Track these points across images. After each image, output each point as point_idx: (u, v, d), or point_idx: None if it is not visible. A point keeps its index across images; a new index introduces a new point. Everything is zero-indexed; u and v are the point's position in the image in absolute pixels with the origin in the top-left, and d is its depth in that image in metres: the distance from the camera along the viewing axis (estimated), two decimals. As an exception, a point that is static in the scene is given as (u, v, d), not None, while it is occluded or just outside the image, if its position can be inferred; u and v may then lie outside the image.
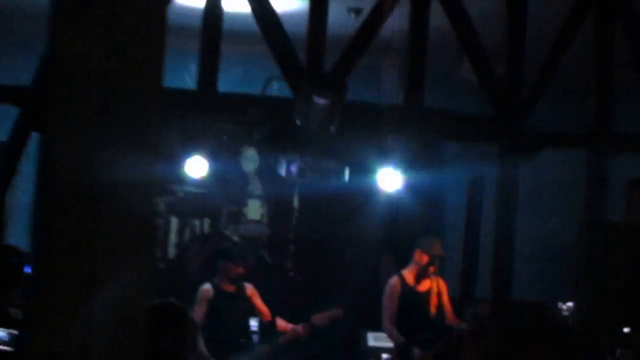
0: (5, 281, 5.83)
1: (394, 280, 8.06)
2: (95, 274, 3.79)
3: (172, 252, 9.43)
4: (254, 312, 8.01)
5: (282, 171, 6.89)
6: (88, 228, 3.78)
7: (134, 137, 3.87)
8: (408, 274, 8.06)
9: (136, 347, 3.71)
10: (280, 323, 8.00)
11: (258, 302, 7.98)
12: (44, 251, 3.91)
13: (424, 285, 8.06)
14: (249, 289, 7.98)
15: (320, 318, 7.96)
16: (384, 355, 8.53)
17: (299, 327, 7.92)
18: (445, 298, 8.09)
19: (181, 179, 8.09)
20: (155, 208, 8.28)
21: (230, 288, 7.89)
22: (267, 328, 8.03)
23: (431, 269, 7.96)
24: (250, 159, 9.28)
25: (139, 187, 3.83)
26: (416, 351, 7.79)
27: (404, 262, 8.17)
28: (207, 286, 7.89)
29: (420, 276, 8.02)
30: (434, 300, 7.97)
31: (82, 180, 3.81)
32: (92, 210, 3.76)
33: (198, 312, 7.61)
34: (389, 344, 8.35)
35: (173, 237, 9.42)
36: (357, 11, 7.88)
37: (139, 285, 3.79)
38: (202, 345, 7.34)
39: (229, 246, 8.86)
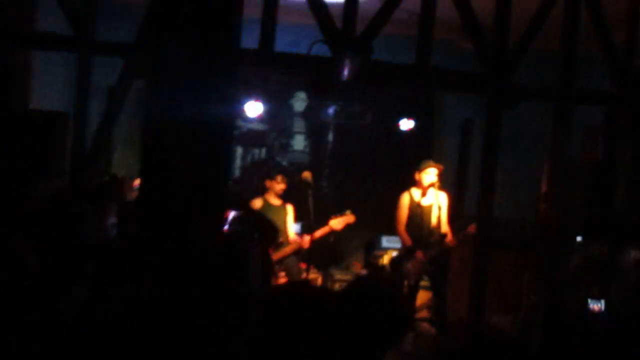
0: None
1: (403, 195, 8.02)
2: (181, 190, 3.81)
3: (236, 172, 9.47)
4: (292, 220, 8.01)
5: (322, 113, 6.85)
6: (177, 153, 3.80)
7: (214, 86, 3.86)
8: (415, 191, 8.02)
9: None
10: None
11: (291, 217, 7.98)
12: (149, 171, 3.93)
13: (427, 200, 8.00)
14: (290, 206, 7.98)
15: (336, 222, 7.90)
16: (394, 253, 8.56)
17: (305, 240, 7.85)
18: (444, 211, 8.00)
19: (244, 117, 8.08)
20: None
21: (276, 202, 7.89)
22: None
23: (433, 185, 7.84)
24: (300, 101, 9.24)
25: (217, 123, 3.83)
26: (419, 253, 7.78)
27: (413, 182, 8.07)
28: (257, 200, 7.90)
29: (424, 192, 7.96)
30: (435, 212, 7.91)
31: (173, 117, 3.82)
32: (180, 139, 3.77)
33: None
34: (399, 245, 8.37)
35: (238, 162, 9.45)
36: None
37: (217, 196, 3.80)
38: None
39: (270, 168, 8.89)
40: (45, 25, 6.34)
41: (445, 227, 7.99)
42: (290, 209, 8.03)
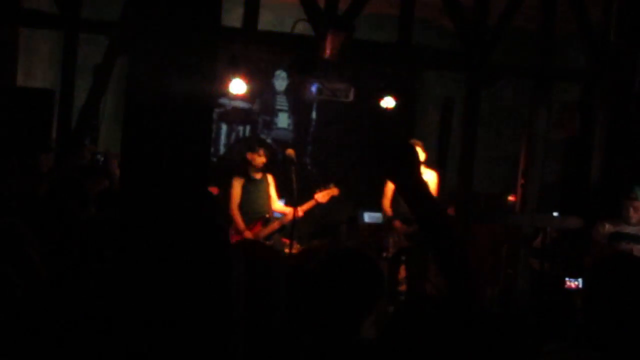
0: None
1: None
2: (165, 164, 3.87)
3: (221, 149, 9.54)
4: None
5: (305, 91, 6.90)
6: (159, 130, 3.86)
7: (196, 63, 3.92)
8: None
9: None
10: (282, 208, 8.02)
11: (272, 187, 7.96)
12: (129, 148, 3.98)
13: None
14: (270, 177, 7.96)
15: (321, 195, 7.94)
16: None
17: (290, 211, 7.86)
18: (433, 187, 8.06)
19: (228, 95, 8.11)
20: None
21: (257, 175, 7.85)
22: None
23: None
24: (280, 79, 9.30)
25: (199, 100, 3.90)
26: (398, 223, 7.87)
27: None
28: (237, 179, 7.92)
29: None
30: None
31: (155, 93, 3.88)
32: (163, 115, 3.83)
33: (235, 193, 7.70)
34: (380, 221, 8.47)
35: (223, 139, 9.51)
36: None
37: (200, 171, 3.86)
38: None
39: (252, 141, 8.85)
40: (32, 2, 6.36)
41: None
42: (271, 180, 7.98)
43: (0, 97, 5.86)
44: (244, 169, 7.85)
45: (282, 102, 9.43)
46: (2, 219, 3.29)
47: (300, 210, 7.60)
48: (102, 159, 6.83)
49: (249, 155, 7.78)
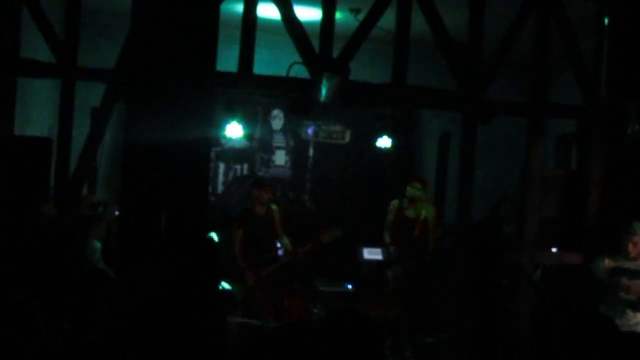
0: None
1: (392, 202, 8.20)
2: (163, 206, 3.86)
3: (219, 188, 9.53)
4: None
5: (302, 132, 6.93)
6: (158, 175, 3.86)
7: (193, 107, 3.93)
8: (404, 201, 8.16)
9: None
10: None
11: (277, 220, 7.89)
12: (127, 192, 3.98)
13: (411, 212, 8.13)
14: (275, 208, 7.87)
15: (325, 236, 7.91)
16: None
17: (298, 250, 7.82)
18: (430, 223, 8.12)
19: (225, 136, 8.11)
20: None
21: (261, 211, 7.78)
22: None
23: (416, 199, 7.98)
24: (277, 119, 9.32)
25: (197, 143, 3.90)
26: (397, 264, 7.89)
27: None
28: (243, 212, 7.86)
29: (409, 205, 8.10)
30: (418, 225, 8.06)
31: (152, 138, 3.88)
32: (161, 160, 3.83)
33: (236, 240, 7.63)
34: (380, 257, 8.45)
35: (220, 177, 9.50)
36: (357, 11, 7.82)
37: (200, 212, 3.86)
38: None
39: (259, 177, 8.84)
40: (29, 51, 6.38)
41: (432, 241, 8.09)
42: (276, 213, 7.89)
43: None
44: (244, 213, 7.78)
45: (279, 139, 9.44)
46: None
47: (301, 252, 7.61)
48: (102, 209, 6.82)
49: (256, 192, 7.70)
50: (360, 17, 7.11)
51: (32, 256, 4.29)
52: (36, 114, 8.13)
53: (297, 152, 9.40)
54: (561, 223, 6.93)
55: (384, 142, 7.34)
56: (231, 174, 9.50)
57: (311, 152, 9.34)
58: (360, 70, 6.68)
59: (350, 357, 2.69)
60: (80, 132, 6.52)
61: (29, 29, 6.20)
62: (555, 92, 7.09)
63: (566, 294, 6.94)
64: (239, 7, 6.30)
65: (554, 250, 6.99)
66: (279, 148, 9.51)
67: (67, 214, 5.69)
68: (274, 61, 8.34)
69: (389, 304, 8.03)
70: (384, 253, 8.29)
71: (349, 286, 8.90)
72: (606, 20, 6.82)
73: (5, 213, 5.40)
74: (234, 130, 6.83)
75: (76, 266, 4.39)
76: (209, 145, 4.64)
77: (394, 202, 8.25)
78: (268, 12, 6.63)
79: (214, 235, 5.37)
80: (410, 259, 7.90)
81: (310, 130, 6.62)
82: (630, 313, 6.19)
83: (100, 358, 3.12)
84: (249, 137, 7.69)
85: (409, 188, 8.07)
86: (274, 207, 7.86)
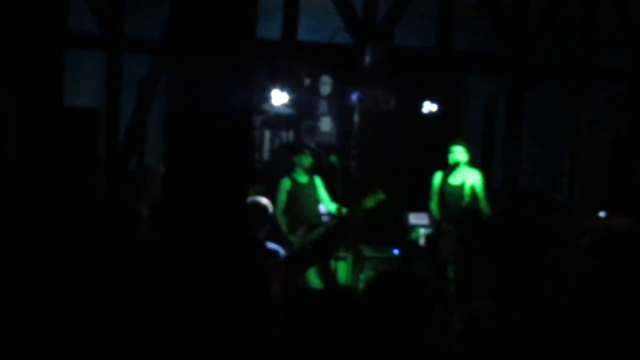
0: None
1: (436, 174, 8.06)
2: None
3: (265, 155, 9.55)
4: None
5: (347, 98, 6.90)
6: (201, 141, 3.90)
7: (237, 75, 3.95)
8: (447, 171, 8.01)
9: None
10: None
11: (321, 191, 7.93)
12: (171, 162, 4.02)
13: (456, 179, 8.01)
14: (318, 180, 7.89)
15: (369, 200, 7.84)
16: (421, 229, 8.60)
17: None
18: (479, 189, 7.99)
19: (270, 103, 8.11)
20: (253, 124, 8.33)
21: (304, 179, 7.80)
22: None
23: (460, 164, 7.86)
24: (326, 85, 9.25)
25: (240, 110, 3.93)
26: (446, 226, 7.81)
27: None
28: (286, 179, 7.88)
29: (454, 172, 7.97)
30: (466, 191, 7.93)
31: (195, 105, 3.92)
32: (203, 126, 3.87)
33: (280, 198, 7.69)
34: (426, 222, 8.41)
35: (266, 145, 9.51)
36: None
37: (242, 180, 3.89)
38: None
39: (292, 143, 8.81)
40: (77, 23, 6.45)
41: (483, 205, 7.99)
42: (319, 182, 7.92)
43: (48, 118, 5.95)
44: (289, 174, 7.84)
45: (325, 106, 9.40)
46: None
47: (348, 217, 7.59)
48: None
49: (296, 158, 7.74)
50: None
51: (92, 226, 4.38)
52: (85, 85, 8.23)
53: (343, 118, 9.34)
54: (610, 188, 6.83)
55: (429, 107, 7.25)
56: (277, 142, 9.50)
57: (356, 118, 9.27)
58: (406, 36, 6.63)
59: (398, 319, 2.71)
60: (129, 102, 6.60)
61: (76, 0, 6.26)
62: (603, 54, 6.94)
63: (615, 259, 6.85)
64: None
65: (602, 214, 6.90)
66: (324, 115, 9.48)
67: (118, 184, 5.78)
68: (317, 28, 8.32)
69: (439, 271, 8.01)
70: (430, 219, 8.23)
71: (396, 251, 8.87)
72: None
73: (57, 183, 5.50)
74: (279, 98, 6.82)
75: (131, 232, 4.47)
76: (252, 113, 4.65)
77: (436, 176, 8.08)
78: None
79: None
80: (460, 228, 7.83)
81: (354, 97, 6.58)
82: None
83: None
84: (293, 103, 7.69)
85: (450, 153, 7.93)
86: (317, 179, 7.88)
